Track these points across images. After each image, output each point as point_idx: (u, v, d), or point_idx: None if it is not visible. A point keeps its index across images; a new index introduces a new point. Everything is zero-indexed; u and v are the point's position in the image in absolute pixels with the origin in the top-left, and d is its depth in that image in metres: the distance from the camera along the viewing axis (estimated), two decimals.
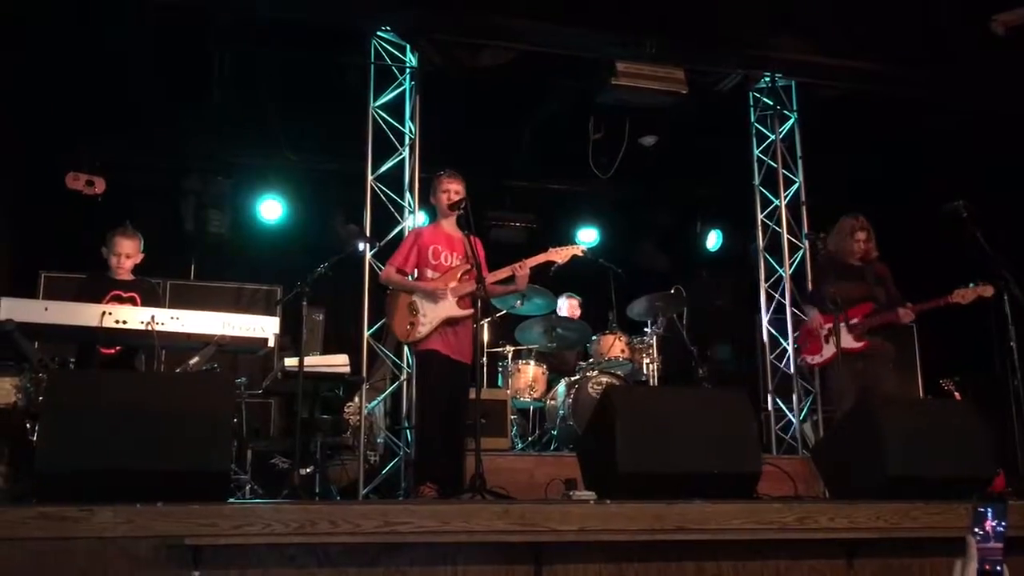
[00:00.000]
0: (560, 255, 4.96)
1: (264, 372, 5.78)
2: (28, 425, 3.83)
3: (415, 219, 6.16)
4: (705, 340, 7.74)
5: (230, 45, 6.33)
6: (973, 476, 3.68)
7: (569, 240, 5.92)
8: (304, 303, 4.65)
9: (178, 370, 4.29)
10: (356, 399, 5.81)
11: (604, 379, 6.23)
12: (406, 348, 5.60)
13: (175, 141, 7.49)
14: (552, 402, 6.47)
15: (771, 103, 7.21)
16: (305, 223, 8.06)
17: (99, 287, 4.82)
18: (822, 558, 3.11)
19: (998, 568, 2.05)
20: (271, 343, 4.39)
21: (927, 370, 7.62)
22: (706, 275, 9.22)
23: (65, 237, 6.72)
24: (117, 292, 4.83)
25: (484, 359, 6.11)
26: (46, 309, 4.07)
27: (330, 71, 6.67)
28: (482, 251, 4.74)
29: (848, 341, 5.22)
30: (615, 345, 6.53)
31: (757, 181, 7.27)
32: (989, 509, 2.05)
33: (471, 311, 4.62)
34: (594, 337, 6.68)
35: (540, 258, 4.91)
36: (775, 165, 7.16)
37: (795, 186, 7.15)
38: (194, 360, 4.25)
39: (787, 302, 6.93)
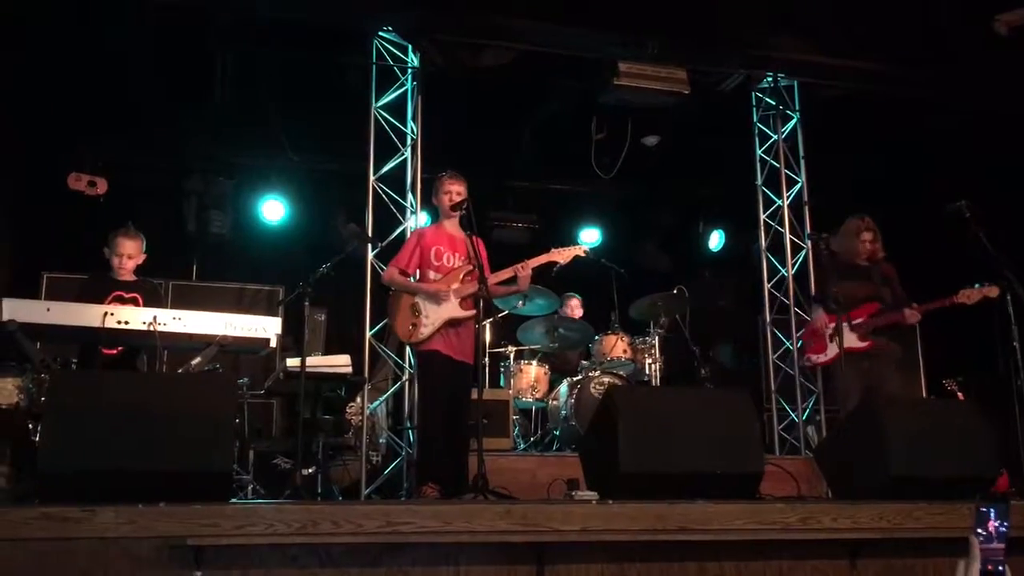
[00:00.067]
0: (562, 255, 4.97)
1: (266, 372, 5.79)
2: (30, 425, 3.84)
3: (417, 219, 6.16)
4: (707, 340, 7.74)
5: (231, 45, 6.33)
6: (976, 476, 3.67)
7: (571, 240, 5.93)
8: (306, 303, 4.64)
9: (180, 370, 4.28)
10: (358, 399, 5.81)
11: (606, 379, 6.23)
12: (408, 348, 5.60)
13: (176, 141, 7.50)
14: (554, 402, 6.47)
15: (773, 103, 7.21)
16: (307, 223, 8.07)
17: (101, 288, 4.83)
18: (825, 558, 3.10)
19: (1001, 568, 2.05)
20: (273, 343, 4.39)
21: (930, 370, 7.60)
22: (708, 275, 9.23)
23: (67, 238, 6.73)
24: (119, 293, 4.84)
25: (486, 359, 6.13)
26: (48, 310, 4.06)
27: (331, 71, 6.68)
28: (484, 252, 4.73)
29: (853, 341, 5.19)
30: (617, 345, 6.53)
31: (759, 181, 7.27)
32: (992, 509, 2.06)
33: (473, 312, 4.62)
34: (596, 337, 6.67)
35: (542, 258, 4.91)
36: (777, 165, 7.16)
37: (797, 186, 7.15)
38: (196, 360, 4.25)
39: (790, 302, 6.93)
